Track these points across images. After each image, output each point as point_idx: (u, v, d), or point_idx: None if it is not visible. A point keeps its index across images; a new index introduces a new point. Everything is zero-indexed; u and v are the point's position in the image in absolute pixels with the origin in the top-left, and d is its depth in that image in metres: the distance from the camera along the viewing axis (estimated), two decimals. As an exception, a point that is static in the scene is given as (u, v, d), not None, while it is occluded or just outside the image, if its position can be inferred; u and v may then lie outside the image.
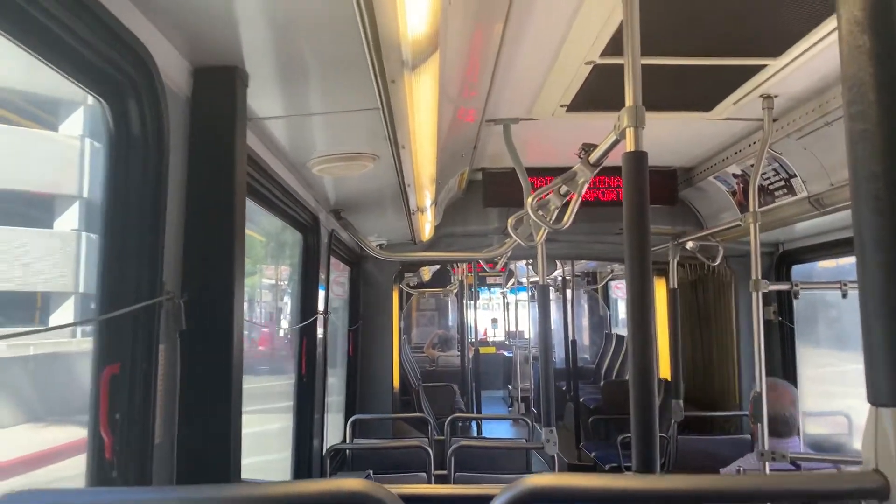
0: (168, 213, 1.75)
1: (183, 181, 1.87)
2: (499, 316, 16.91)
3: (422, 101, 2.06)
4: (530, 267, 10.14)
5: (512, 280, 12.92)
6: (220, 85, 1.95)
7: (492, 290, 16.55)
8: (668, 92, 3.13)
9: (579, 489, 0.95)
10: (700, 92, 3.15)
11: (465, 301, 10.44)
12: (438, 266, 10.38)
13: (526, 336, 12.28)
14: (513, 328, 13.91)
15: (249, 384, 2.18)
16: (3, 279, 2.55)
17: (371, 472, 3.82)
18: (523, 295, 13.62)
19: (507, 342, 15.10)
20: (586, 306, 13.49)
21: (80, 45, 1.46)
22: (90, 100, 1.67)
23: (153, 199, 1.72)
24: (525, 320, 13.01)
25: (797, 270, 5.21)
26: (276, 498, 0.98)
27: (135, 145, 1.70)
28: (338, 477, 4.09)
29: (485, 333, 17.13)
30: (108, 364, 1.60)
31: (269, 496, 0.98)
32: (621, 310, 11.75)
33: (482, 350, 11.22)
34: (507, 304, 13.76)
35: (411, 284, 10.36)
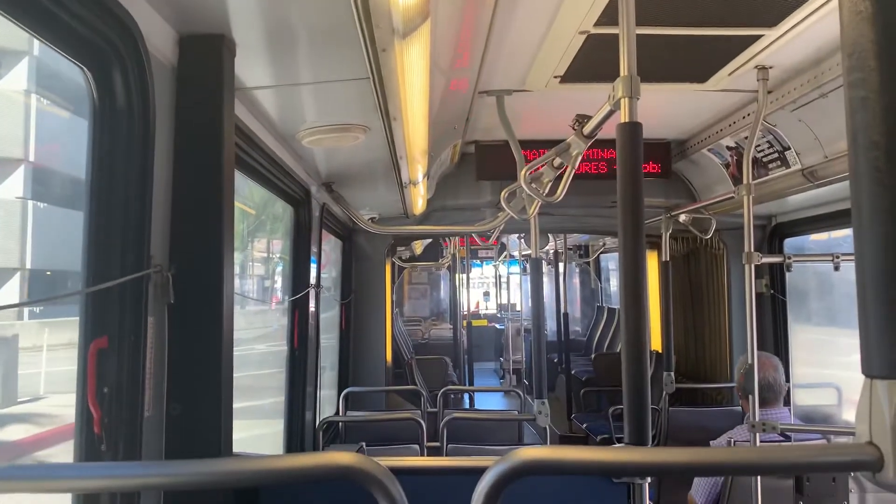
0: (155, 184, 1.72)
1: (170, 152, 1.83)
2: (491, 289, 16.96)
3: (413, 70, 2.02)
4: (523, 240, 10.14)
5: (504, 253, 12.94)
6: (207, 53, 1.90)
7: (484, 262, 16.56)
8: (663, 63, 3.09)
9: (572, 462, 0.94)
10: (695, 63, 3.12)
11: (457, 274, 10.44)
12: (430, 240, 10.37)
13: (518, 309, 12.33)
14: (504, 301, 13.94)
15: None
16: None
17: (364, 444, 3.82)
18: (515, 268, 13.64)
19: (498, 315, 15.15)
20: (578, 279, 13.52)
21: (62, 11, 1.42)
22: (35, 49, 1.61)
23: (139, 170, 1.69)
24: (517, 293, 13.05)
25: (789, 244, 5.21)
26: (265, 472, 0.96)
27: (120, 116, 1.66)
28: (330, 449, 4.10)
29: (477, 306, 17.21)
30: (96, 338, 1.58)
31: (257, 470, 0.97)
32: (613, 283, 11.78)
33: (474, 323, 11.26)
34: (500, 276, 13.77)
35: (403, 258, 10.36)
